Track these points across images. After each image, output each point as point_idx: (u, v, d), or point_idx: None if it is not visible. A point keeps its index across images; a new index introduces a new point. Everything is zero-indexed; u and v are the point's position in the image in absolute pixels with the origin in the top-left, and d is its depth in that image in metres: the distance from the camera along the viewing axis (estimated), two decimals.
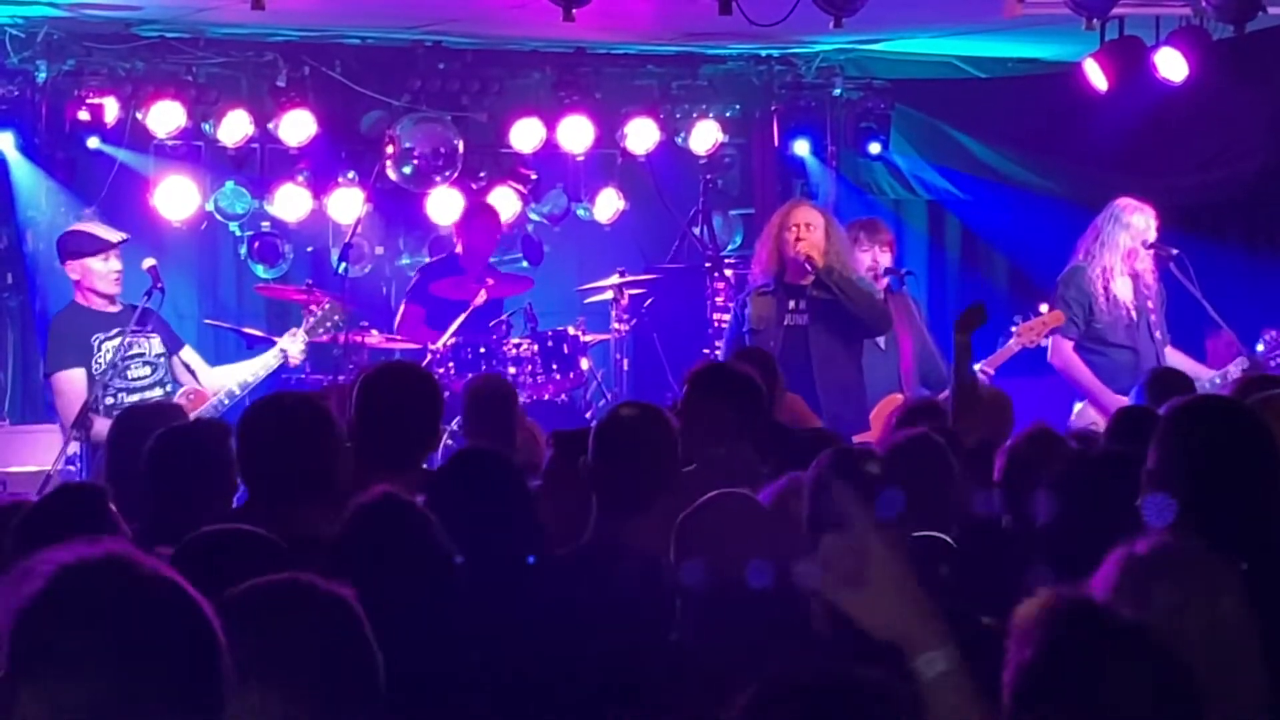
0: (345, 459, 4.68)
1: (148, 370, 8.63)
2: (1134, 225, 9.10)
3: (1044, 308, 8.95)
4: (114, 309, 8.62)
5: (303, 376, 9.67)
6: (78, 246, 8.61)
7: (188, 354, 8.83)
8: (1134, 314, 9.12)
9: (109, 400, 8.44)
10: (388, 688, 2.65)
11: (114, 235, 8.63)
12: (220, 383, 8.59)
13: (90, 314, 8.58)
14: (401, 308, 10.51)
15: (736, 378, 5.99)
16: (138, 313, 8.49)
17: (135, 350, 8.58)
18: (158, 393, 8.53)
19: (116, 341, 8.47)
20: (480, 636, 2.93)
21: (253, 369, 8.75)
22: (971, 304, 7.41)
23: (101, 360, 8.47)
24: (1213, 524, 3.70)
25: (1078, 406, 9.05)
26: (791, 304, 8.86)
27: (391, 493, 3.80)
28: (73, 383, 8.44)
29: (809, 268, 8.76)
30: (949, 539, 4.82)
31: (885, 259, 9.66)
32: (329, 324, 9.10)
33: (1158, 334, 9.16)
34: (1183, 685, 2.52)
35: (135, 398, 8.45)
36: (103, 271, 8.54)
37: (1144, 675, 2.50)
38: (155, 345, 8.66)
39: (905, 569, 2.62)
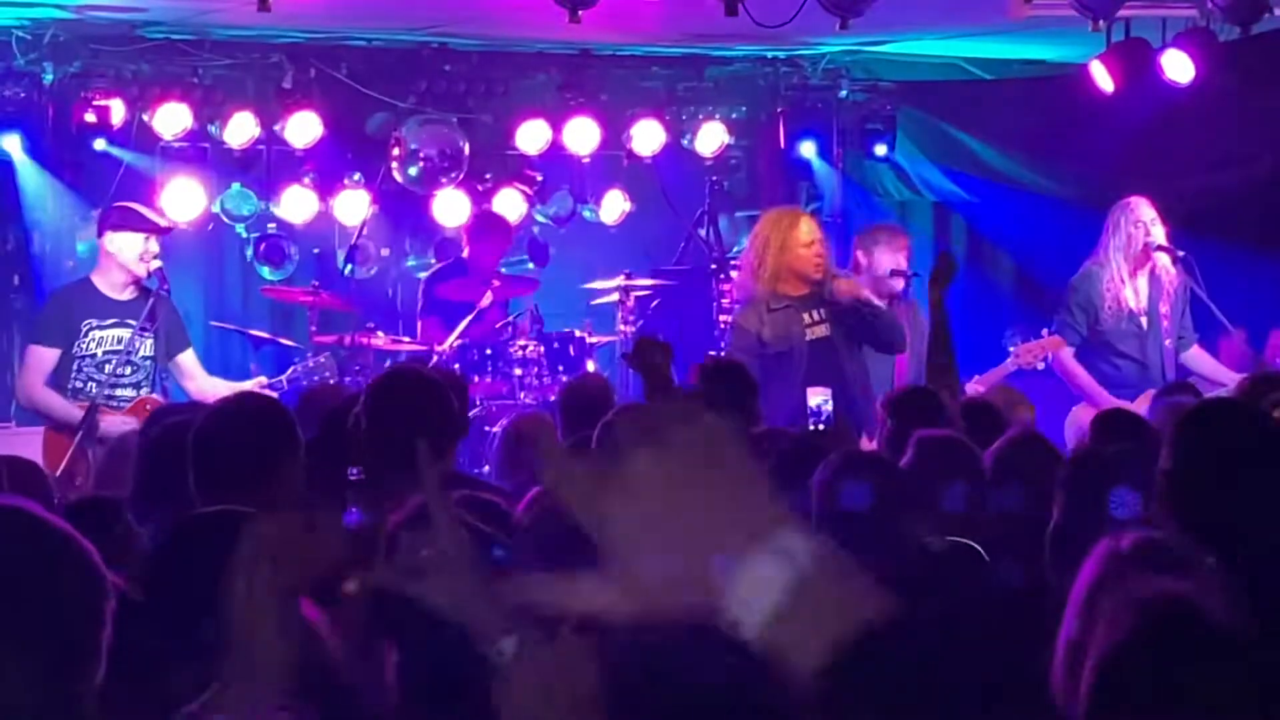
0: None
1: (128, 369, 8.54)
2: (1140, 218, 9.06)
3: (1045, 332, 8.94)
4: (124, 296, 8.54)
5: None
6: (122, 220, 8.55)
7: (188, 357, 8.75)
8: (1145, 322, 9.08)
9: (76, 384, 8.42)
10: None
11: (161, 220, 8.62)
12: (212, 392, 8.27)
13: (97, 296, 8.51)
14: (419, 325, 10.47)
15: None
16: (147, 309, 8.44)
17: (123, 346, 8.51)
18: (129, 393, 8.50)
19: (107, 334, 8.44)
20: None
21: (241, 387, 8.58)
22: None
23: (83, 347, 8.43)
24: (1226, 529, 3.69)
25: (1074, 410, 9.03)
26: (808, 316, 8.73)
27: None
28: (40, 360, 8.44)
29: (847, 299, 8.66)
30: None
31: (903, 265, 9.63)
32: (320, 374, 9.05)
33: (1168, 342, 9.11)
34: (1268, 689, 2.50)
35: (105, 391, 8.41)
36: (140, 250, 8.49)
37: (1231, 674, 2.47)
38: (145, 348, 8.56)
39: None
